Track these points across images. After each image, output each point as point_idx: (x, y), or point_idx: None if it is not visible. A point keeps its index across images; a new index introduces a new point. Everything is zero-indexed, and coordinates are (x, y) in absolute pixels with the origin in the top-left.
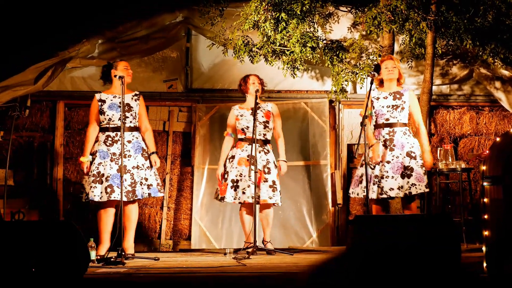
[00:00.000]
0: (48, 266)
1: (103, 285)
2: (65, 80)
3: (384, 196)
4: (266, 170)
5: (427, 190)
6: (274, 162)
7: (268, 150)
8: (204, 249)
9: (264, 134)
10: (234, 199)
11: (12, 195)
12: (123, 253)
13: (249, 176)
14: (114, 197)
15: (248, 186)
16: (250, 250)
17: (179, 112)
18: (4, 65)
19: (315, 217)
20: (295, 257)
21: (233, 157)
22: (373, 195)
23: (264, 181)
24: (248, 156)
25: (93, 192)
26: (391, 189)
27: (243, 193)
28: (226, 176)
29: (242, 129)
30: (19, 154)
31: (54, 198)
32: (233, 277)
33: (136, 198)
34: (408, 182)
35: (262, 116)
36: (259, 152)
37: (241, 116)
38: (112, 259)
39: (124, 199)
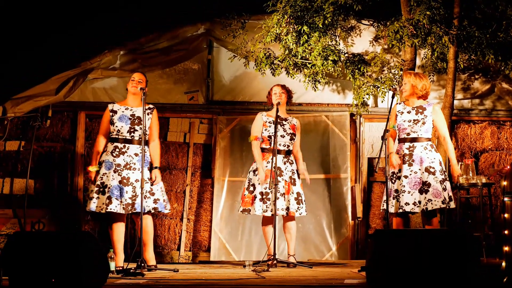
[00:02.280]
0: (67, 277)
1: None
2: (87, 91)
3: (401, 210)
4: (292, 181)
5: (443, 206)
6: (298, 172)
7: (292, 161)
8: (224, 261)
9: (289, 146)
10: (265, 211)
11: (33, 205)
12: (143, 264)
13: (270, 188)
14: (111, 209)
15: (278, 198)
16: (269, 262)
17: (200, 124)
18: (25, 75)
19: (335, 230)
20: (314, 270)
21: (257, 169)
22: (391, 209)
23: (291, 193)
24: (273, 167)
25: (95, 203)
26: (407, 203)
27: (274, 205)
28: (252, 188)
29: (269, 137)
30: (39, 164)
31: (74, 208)
32: None
33: (135, 212)
34: (425, 197)
35: (289, 128)
36: (284, 163)
37: (269, 123)
38: (131, 270)
39: (122, 211)
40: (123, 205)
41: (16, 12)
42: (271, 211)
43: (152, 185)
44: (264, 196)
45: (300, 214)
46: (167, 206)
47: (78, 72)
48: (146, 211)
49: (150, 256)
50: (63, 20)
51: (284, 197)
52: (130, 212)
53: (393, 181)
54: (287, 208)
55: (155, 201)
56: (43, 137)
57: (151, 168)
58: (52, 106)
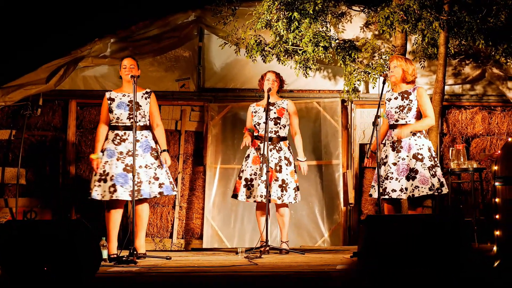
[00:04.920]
0: (60, 265)
1: (115, 284)
2: (77, 79)
3: (386, 197)
4: (277, 168)
5: (430, 193)
6: (288, 159)
7: (280, 148)
8: (216, 248)
9: (276, 131)
10: (248, 197)
11: (25, 194)
12: (135, 252)
13: (261, 175)
14: (117, 197)
15: (258, 185)
16: (262, 249)
17: (192, 111)
18: (16, 63)
19: (327, 216)
20: (306, 256)
21: (248, 156)
22: (375, 194)
23: (275, 180)
24: (260, 154)
25: (96, 191)
26: (394, 190)
27: (266, 192)
28: (241, 174)
29: (255, 126)
30: (31, 153)
31: (66, 197)
32: (245, 276)
33: (141, 198)
34: (412, 184)
35: (274, 113)
36: (270, 150)
37: (255, 112)
38: (124, 258)
39: (129, 198)
40: (129, 192)
41: (15, 12)
42: (253, 197)
43: (158, 168)
44: (248, 183)
45: (282, 201)
46: (175, 188)
47: (68, 61)
48: (151, 197)
49: (140, 243)
50: (61, 19)
51: (266, 184)
52: (137, 198)
53: (379, 167)
54: (270, 196)
55: (160, 186)
56: (34, 126)
57: (159, 152)
58: (42, 95)
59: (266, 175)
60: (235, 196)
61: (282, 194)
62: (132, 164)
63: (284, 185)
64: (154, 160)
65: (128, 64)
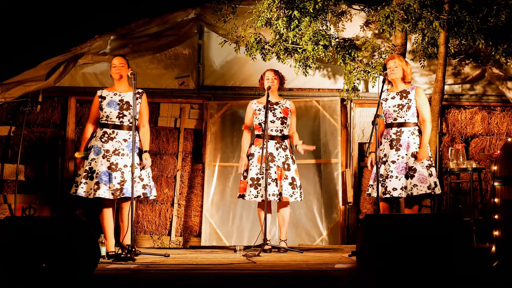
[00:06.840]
0: (59, 262)
1: (113, 281)
2: (77, 76)
3: (387, 195)
4: (285, 166)
5: (428, 191)
6: (293, 157)
7: (286, 146)
8: (214, 246)
9: (281, 130)
10: (255, 197)
11: (23, 191)
12: (133, 250)
13: (261, 174)
14: (100, 195)
15: (269, 184)
16: (260, 248)
17: (191, 109)
18: (16, 60)
19: (326, 215)
20: (305, 255)
21: (252, 155)
22: (374, 193)
23: (285, 178)
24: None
25: (82, 188)
26: (394, 189)
27: (265, 191)
28: (245, 174)
29: (260, 124)
30: (30, 149)
31: (65, 193)
32: (243, 274)
33: (123, 196)
34: (411, 182)
35: (280, 112)
36: (277, 149)
37: (258, 110)
38: (122, 256)
39: (111, 197)
40: (111, 190)
41: (15, 11)
42: (261, 196)
43: (142, 169)
44: (255, 182)
45: (295, 199)
46: (153, 192)
47: (68, 57)
48: (135, 196)
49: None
50: (62, 19)
51: (276, 182)
52: (119, 197)
53: (378, 166)
54: (280, 194)
55: (144, 187)
56: (33, 122)
57: (140, 153)
58: (42, 91)
59: (265, 174)
60: (241, 196)
61: (293, 192)
62: (117, 163)
63: (294, 182)
64: (140, 161)
65: (118, 63)
